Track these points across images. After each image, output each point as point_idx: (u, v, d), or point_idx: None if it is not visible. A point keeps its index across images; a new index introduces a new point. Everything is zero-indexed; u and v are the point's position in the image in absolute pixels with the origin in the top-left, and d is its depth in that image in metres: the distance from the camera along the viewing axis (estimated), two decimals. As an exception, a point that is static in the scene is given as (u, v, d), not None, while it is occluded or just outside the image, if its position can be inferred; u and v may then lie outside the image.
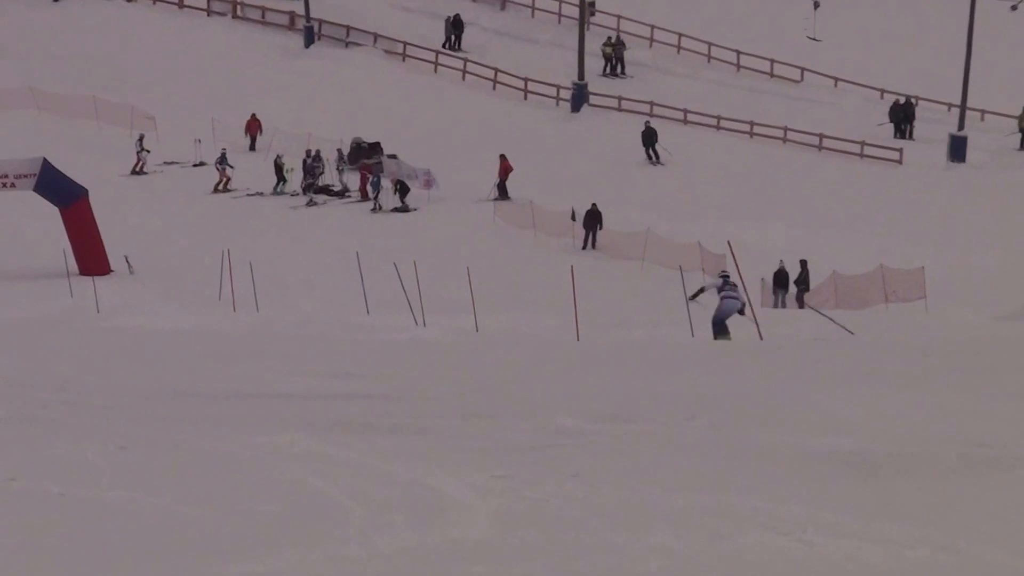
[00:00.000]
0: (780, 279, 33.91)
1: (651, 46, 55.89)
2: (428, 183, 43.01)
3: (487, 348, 21.76)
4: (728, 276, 23.60)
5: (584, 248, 38.92)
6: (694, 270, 33.66)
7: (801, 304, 33.29)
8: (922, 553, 6.64)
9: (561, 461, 8.98)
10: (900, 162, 45.62)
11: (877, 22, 55.89)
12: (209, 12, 60.55)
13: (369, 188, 43.61)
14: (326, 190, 44.91)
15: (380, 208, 42.91)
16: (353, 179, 45.04)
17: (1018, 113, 48.00)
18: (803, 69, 52.95)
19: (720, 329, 22.89)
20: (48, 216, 37.11)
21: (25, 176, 36.48)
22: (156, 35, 57.50)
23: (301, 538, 6.94)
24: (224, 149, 46.03)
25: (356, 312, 29.31)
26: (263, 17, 60.19)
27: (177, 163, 47.95)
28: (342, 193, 44.88)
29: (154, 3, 60.44)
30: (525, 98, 52.75)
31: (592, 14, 56.04)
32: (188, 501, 7.79)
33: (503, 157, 43.61)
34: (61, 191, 36.90)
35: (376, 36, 57.36)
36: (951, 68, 47.10)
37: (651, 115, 49.49)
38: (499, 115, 50.91)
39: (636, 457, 9.21)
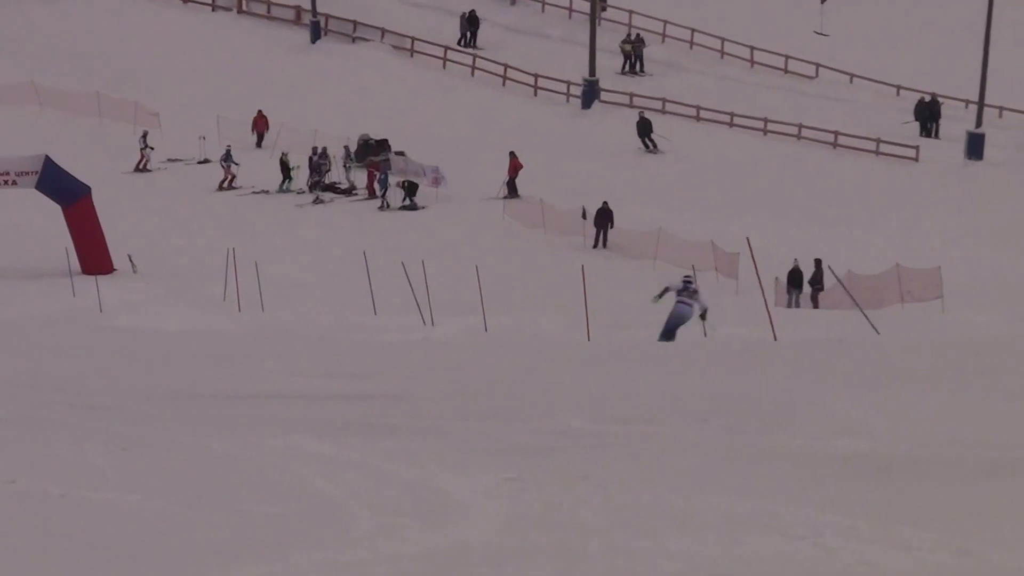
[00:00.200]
0: (794, 278, 33.63)
1: (663, 42, 55.68)
2: (436, 181, 42.86)
3: (496, 348, 21.62)
4: (691, 281, 23.43)
5: (595, 247, 38.77)
6: (707, 269, 33.61)
7: (815, 304, 33.04)
8: (940, 558, 6.56)
9: (571, 463, 8.96)
10: (916, 160, 45.39)
11: (890, 17, 55.75)
12: (214, 7, 60.45)
13: (376, 186, 43.46)
14: (333, 188, 44.72)
15: (388, 206, 42.74)
16: (360, 177, 44.82)
17: (1037, 109, 47.75)
18: (818, 65, 52.73)
19: (667, 335, 22.64)
20: (50, 214, 36.95)
21: (27, 173, 36.24)
22: (160, 30, 57.43)
23: (305, 541, 6.92)
24: (229, 146, 45.89)
25: (363, 312, 29.17)
26: (268, 12, 60.13)
27: (181, 160, 47.81)
28: (349, 191, 44.70)
29: (158, -3, 60.49)
30: (535, 94, 52.63)
31: (603, 9, 55.64)
32: (190, 503, 7.79)
33: (513, 154, 43.39)
34: (63, 189, 36.72)
35: (384, 31, 57.17)
36: (967, 64, 46.84)
37: (663, 111, 49.33)
38: (509, 112, 50.80)
39: (648, 459, 9.19)
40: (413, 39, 56.26)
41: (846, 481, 8.35)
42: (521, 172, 42.90)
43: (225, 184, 45.11)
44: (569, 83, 52.05)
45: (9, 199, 37.98)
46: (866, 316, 23.46)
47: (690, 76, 53.35)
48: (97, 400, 12.69)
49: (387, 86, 52.86)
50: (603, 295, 27.39)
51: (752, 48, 53.78)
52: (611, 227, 38.82)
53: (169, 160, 47.55)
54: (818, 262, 33.76)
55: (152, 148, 46.91)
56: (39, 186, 36.39)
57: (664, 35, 55.71)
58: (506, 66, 53.70)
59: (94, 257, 36.03)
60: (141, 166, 46.92)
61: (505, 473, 8.48)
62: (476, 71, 54.54)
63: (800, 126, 47.30)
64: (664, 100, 49.98)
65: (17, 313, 29.38)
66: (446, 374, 16.14)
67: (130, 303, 31.33)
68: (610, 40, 54.55)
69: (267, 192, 44.65)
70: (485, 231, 39.76)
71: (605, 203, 38.98)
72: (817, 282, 33.71)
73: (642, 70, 54.01)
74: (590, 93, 51.38)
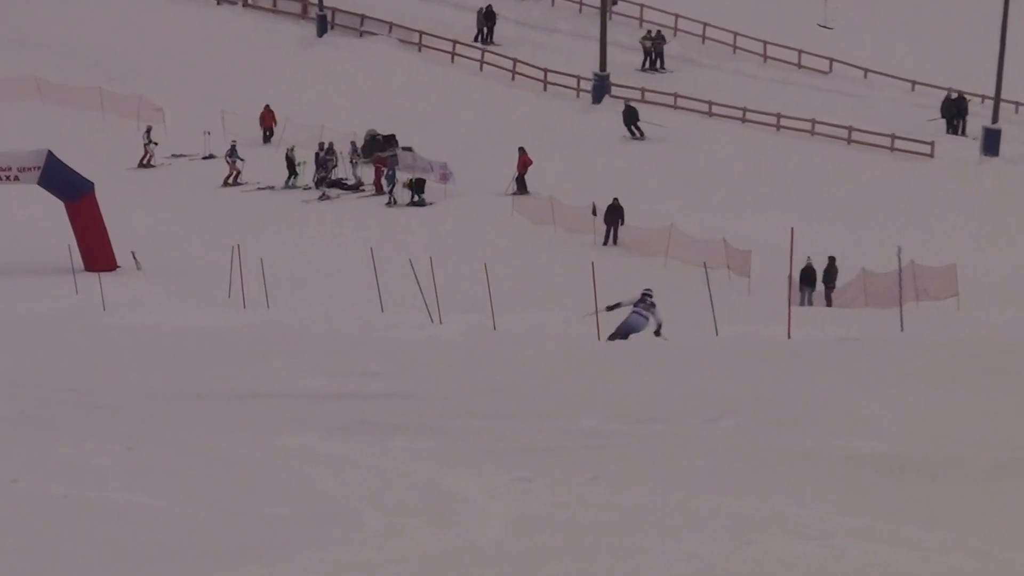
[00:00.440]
0: (807, 276, 33.54)
1: (675, 36, 55.55)
2: (444, 177, 42.68)
3: (505, 347, 21.66)
4: (650, 294, 23.61)
5: (605, 244, 38.66)
6: (719, 267, 33.40)
7: (829, 302, 33.00)
8: (953, 558, 6.54)
9: (581, 463, 8.99)
10: (932, 156, 45.16)
11: (905, 10, 55.66)
12: (219, 0, 60.20)
13: (384, 182, 43.28)
14: (339, 184, 44.57)
15: (395, 202, 42.57)
16: (367, 172, 44.64)
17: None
18: (832, 60, 52.48)
19: (617, 337, 22.95)
20: (53, 210, 36.87)
21: (29, 169, 36.19)
22: (164, 24, 57.38)
23: (311, 541, 6.92)
24: (234, 141, 45.78)
25: (370, 310, 29.09)
26: (274, 5, 59.98)
27: (186, 156, 47.71)
28: (356, 187, 44.56)
29: (162, -10, 60.36)
30: (545, 89, 52.57)
31: (614, 3, 55.32)
32: (195, 503, 7.82)
33: (522, 150, 43.29)
34: (66, 185, 36.69)
35: (391, 25, 56.98)
36: (983, 58, 46.48)
37: (675, 107, 49.25)
38: (518, 107, 50.71)
39: (658, 460, 9.20)
40: (421, 33, 56.10)
41: (858, 481, 8.32)
42: (531, 168, 42.76)
43: (230, 180, 45.01)
44: (579, 78, 51.87)
45: (11, 195, 37.90)
46: (901, 312, 23.29)
47: (706, 71, 53.17)
48: (100, 399, 12.82)
49: (395, 81, 52.79)
50: (614, 293, 27.12)
51: (765, 43, 53.56)
52: (622, 224, 38.68)
53: (173, 156, 47.45)
54: (832, 259, 33.73)
55: (156, 143, 46.84)
56: (41, 182, 36.32)
57: (676, 29, 55.54)
58: (515, 60, 53.51)
59: (97, 254, 35.95)
60: (145, 162, 46.85)
61: (514, 473, 8.50)
62: (485, 66, 54.37)
63: (814, 121, 47.06)
64: (676, 95, 49.79)
65: (19, 311, 29.42)
66: (454, 373, 16.22)
67: (133, 301, 31.33)
68: (620, 34, 54.28)
69: (273, 188, 44.56)
70: (494, 228, 39.63)
71: (616, 199, 38.84)
72: (830, 280, 33.57)
73: (662, 67, 53.72)
74: (600, 88, 51.14)
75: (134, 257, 36.11)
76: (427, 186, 42.40)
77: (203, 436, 10.20)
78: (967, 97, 48.26)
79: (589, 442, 9.93)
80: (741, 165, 44.47)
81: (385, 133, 46.47)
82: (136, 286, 33.58)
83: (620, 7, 56.32)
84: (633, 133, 47.78)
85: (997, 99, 45.29)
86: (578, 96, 51.81)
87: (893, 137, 45.64)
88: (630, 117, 47.75)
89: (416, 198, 42.20)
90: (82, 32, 56.31)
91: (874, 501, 7.78)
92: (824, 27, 55.18)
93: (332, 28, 57.70)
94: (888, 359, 16.04)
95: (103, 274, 33.69)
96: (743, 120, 48.25)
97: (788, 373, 14.87)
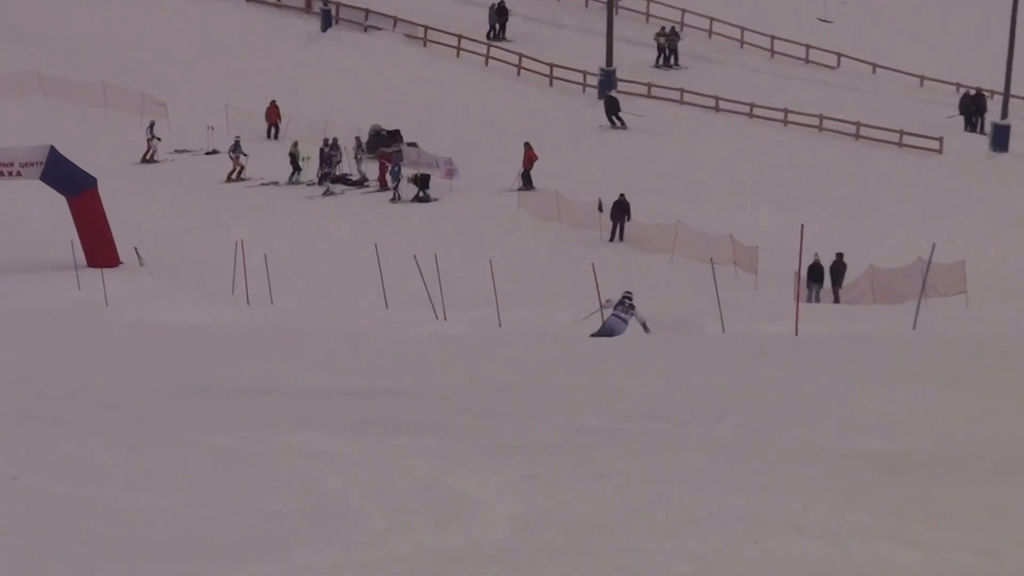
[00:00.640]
0: (815, 272, 33.43)
1: (682, 30, 55.41)
2: (449, 172, 42.67)
3: (510, 344, 21.71)
4: (630, 296, 23.82)
5: (611, 240, 38.60)
6: (725, 263, 33.26)
7: (837, 299, 32.84)
8: (958, 557, 6.53)
9: (586, 461, 8.97)
10: (940, 151, 45.03)
11: (912, 5, 55.67)
12: (223, -6, 60.30)
13: (388, 178, 43.23)
14: (344, 180, 44.53)
15: (399, 198, 42.51)
16: (372, 168, 44.54)
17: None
18: (840, 55, 52.41)
19: (600, 335, 23.20)
20: (55, 206, 36.83)
21: (31, 164, 36.14)
22: (167, 18, 57.39)
23: (316, 540, 6.92)
24: (238, 137, 45.78)
25: (374, 306, 29.06)
26: (278, 0, 59.78)
27: (189, 151, 47.64)
28: (360, 183, 44.48)
29: (166, -16, 60.40)
30: (551, 84, 52.48)
31: (620, -2, 55.29)
32: (199, 501, 7.80)
33: (528, 145, 43.22)
34: (69, 180, 36.65)
35: (396, 20, 57.02)
36: (992, 54, 46.40)
37: (681, 102, 49.16)
38: (524, 102, 50.78)
39: (663, 457, 9.19)
40: (426, 28, 56.09)
41: (864, 479, 8.30)
42: (536, 163, 42.69)
43: (234, 175, 44.96)
44: (586, 73, 51.78)
45: (14, 190, 37.86)
46: (918, 307, 23.14)
47: (712, 66, 53.23)
48: (102, 396, 12.83)
49: (399, 76, 52.80)
50: (619, 289, 27.06)
51: (772, 37, 53.51)
52: (628, 220, 38.61)
53: (176, 151, 47.42)
54: (839, 256, 33.61)
55: (159, 139, 46.83)
56: (44, 177, 36.28)
57: (683, 24, 55.48)
58: (520, 55, 53.47)
59: (100, 250, 35.89)
60: (148, 157, 46.83)
61: (518, 471, 8.50)
62: (490, 60, 54.32)
63: (821, 117, 47.07)
64: (682, 90, 49.72)
65: (21, 307, 29.39)
66: (458, 370, 16.18)
67: (136, 297, 31.31)
68: (627, 29, 54.18)
69: (277, 184, 44.49)
70: (499, 224, 39.57)
71: (622, 195, 38.76)
72: (838, 276, 33.45)
73: (676, 63, 53.61)
74: (607, 83, 51.05)
75: (137, 253, 36.03)
76: (432, 182, 42.35)
77: (205, 433, 10.17)
78: (986, 94, 48.04)
79: (593, 440, 9.94)
80: (748, 160, 44.46)
81: (389, 128, 46.42)
82: (139, 282, 33.56)
83: (627, 2, 56.20)
84: (614, 123, 48.11)
85: (1007, 94, 45.30)
86: (584, 91, 51.79)
87: (901, 133, 45.65)
88: (612, 108, 48.09)
89: (421, 193, 42.15)
90: (85, 27, 56.34)
91: (879, 499, 7.78)
92: (824, 21, 55.06)
93: (336, 23, 57.71)
94: (895, 357, 16.10)
95: (105, 270, 33.66)
96: (750, 115, 48.20)
97: (794, 370, 14.85)
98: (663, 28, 54.43)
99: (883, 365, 15.06)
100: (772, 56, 53.48)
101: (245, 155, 44.74)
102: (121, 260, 35.97)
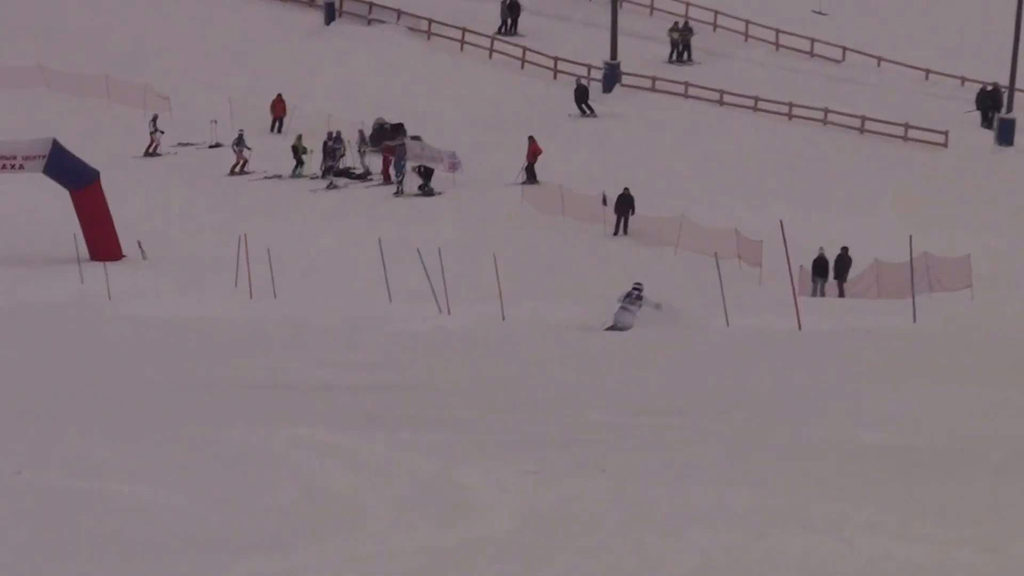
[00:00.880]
0: (819, 267, 33.37)
1: (685, 24, 54.94)
2: (453, 166, 42.57)
3: (514, 338, 21.83)
4: (640, 288, 23.96)
5: (615, 234, 38.52)
6: (730, 257, 33.23)
7: (841, 293, 32.82)
8: (964, 553, 6.51)
9: (591, 456, 8.92)
10: (945, 145, 44.87)
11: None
12: (226, -12, 60.23)
13: (392, 171, 43.15)
14: (347, 173, 44.49)
15: (403, 192, 42.41)
16: (375, 162, 44.50)
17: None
18: (844, 48, 52.15)
19: (613, 329, 23.39)
20: (58, 199, 36.78)
21: (34, 157, 36.20)
22: (170, 11, 57.34)
23: (318, 535, 6.88)
24: (241, 130, 45.75)
25: (378, 300, 29.00)
26: (282, -7, 59.95)
27: (192, 144, 47.65)
28: (364, 176, 44.46)
29: (169, -23, 60.29)
30: (555, 78, 52.37)
31: (626, -9, 55.15)
32: (200, 495, 7.77)
33: (532, 139, 43.14)
34: (72, 173, 36.68)
35: (400, 13, 56.88)
36: (998, 47, 46.21)
37: (686, 96, 49.09)
38: (528, 95, 50.64)
39: (668, 452, 9.15)
40: (430, 21, 55.96)
41: (870, 475, 8.29)
42: (540, 157, 42.58)
43: (237, 169, 44.97)
44: (590, 66, 51.59)
45: (17, 183, 37.88)
46: (914, 302, 23.01)
47: (717, 60, 52.92)
48: (104, 390, 12.84)
49: (403, 69, 52.69)
50: (624, 283, 27.02)
51: (777, 31, 53.29)
52: (632, 214, 38.54)
53: (180, 144, 47.40)
54: (844, 250, 33.56)
55: (162, 132, 46.84)
56: (47, 170, 36.31)
57: (687, 18, 55.22)
58: (525, 49, 53.34)
59: (103, 243, 35.93)
60: (151, 150, 46.82)
61: (523, 466, 8.46)
62: (494, 54, 54.19)
63: (826, 111, 46.88)
64: (687, 84, 49.57)
65: (24, 300, 29.39)
66: (463, 364, 16.20)
67: (139, 290, 31.36)
68: (633, 23, 53.94)
69: (280, 177, 44.45)
70: (503, 217, 39.50)
71: (626, 189, 38.69)
72: (843, 270, 33.38)
73: (690, 59, 53.34)
74: (611, 77, 50.90)
75: (140, 246, 36.07)
76: (435, 175, 42.26)
77: (208, 428, 10.14)
78: (1003, 89, 47.81)
79: (598, 435, 9.89)
80: (753, 154, 44.27)
81: (393, 122, 46.36)
82: (142, 275, 33.60)
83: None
84: (583, 111, 48.60)
85: (1012, 88, 45.13)
86: (588, 85, 51.70)
87: (907, 126, 45.45)
88: (581, 96, 48.63)
89: (425, 185, 41.99)
90: (88, 20, 56.28)
91: (885, 494, 7.75)
92: (818, 13, 54.84)
93: (340, 16, 57.57)
94: (900, 352, 16.21)
95: (108, 263, 33.68)
96: (755, 109, 48.02)
97: (799, 365, 14.84)
98: (676, 24, 54.15)
99: (888, 360, 15.10)
100: (777, 50, 53.21)
101: (248, 148, 44.73)
102: (124, 253, 36.07)
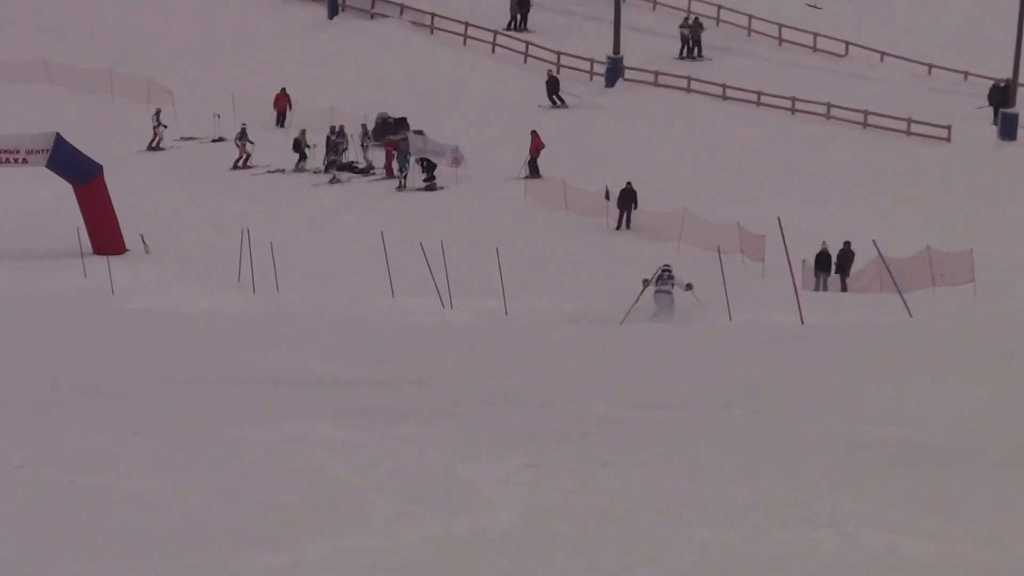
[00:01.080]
0: (822, 261, 33.35)
1: (689, 18, 54.91)
2: (456, 160, 42.52)
3: (517, 332, 21.63)
4: (668, 269, 24.28)
5: (618, 229, 38.49)
6: (733, 251, 33.22)
7: (844, 287, 32.90)
8: (967, 547, 6.52)
9: (593, 450, 8.93)
10: (948, 140, 44.76)
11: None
12: (230, -18, 60.16)
13: (395, 165, 43.13)
14: (350, 167, 44.45)
15: (406, 186, 42.40)
16: (378, 156, 44.46)
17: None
18: (847, 43, 52.08)
19: (659, 318, 23.86)
20: (61, 193, 36.77)
21: (37, 152, 36.20)
22: (173, 5, 57.28)
23: (320, 528, 6.89)
24: (244, 124, 45.71)
25: (381, 295, 28.96)
26: (285, -13, 59.81)
27: (195, 139, 47.60)
28: (367, 170, 44.42)
29: (172, -29, 60.21)
30: (558, 72, 52.08)
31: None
32: (205, 490, 7.76)
33: (535, 133, 43.14)
34: (75, 167, 36.65)
35: (403, 7, 56.84)
36: (1000, 42, 46.09)
37: (688, 90, 49.04)
38: (531, 90, 50.40)
39: (671, 447, 9.15)
40: (433, 15, 55.92)
41: (873, 469, 8.27)
42: (543, 151, 42.54)
43: (240, 163, 44.94)
44: (593, 61, 51.50)
45: (20, 178, 37.81)
46: (903, 298, 23.11)
47: (720, 54, 52.84)
48: (108, 384, 12.74)
49: (406, 63, 52.63)
50: (627, 278, 27.11)
51: (780, 25, 53.23)
52: (635, 208, 38.51)
53: (183, 138, 47.35)
54: (847, 244, 33.49)
55: (165, 126, 46.79)
56: (50, 164, 36.30)
57: (689, 12, 55.14)
58: (528, 43, 53.28)
59: (106, 237, 35.90)
60: (154, 144, 46.75)
61: (525, 460, 8.44)
62: (497, 48, 54.13)
63: (829, 105, 46.77)
64: (689, 78, 49.50)
65: (26, 294, 29.37)
66: (465, 359, 16.14)
67: (142, 284, 31.26)
68: (638, 18, 53.77)
69: (283, 171, 44.39)
70: (506, 212, 39.46)
71: (629, 184, 38.64)
72: (845, 265, 33.31)
73: (700, 54, 53.24)
74: (614, 71, 50.86)
75: (143, 240, 36.04)
76: (438, 170, 42.22)
77: (211, 422, 10.13)
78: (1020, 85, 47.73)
79: (600, 429, 9.87)
80: (755, 149, 44.19)
81: (396, 116, 46.30)
82: (145, 270, 33.52)
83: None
84: (554, 102, 48.78)
85: (1015, 83, 45.03)
86: (591, 79, 51.55)
87: (909, 121, 45.34)
88: (552, 87, 48.89)
89: (428, 181, 41.97)
90: (91, 14, 56.20)
91: (887, 489, 7.74)
92: (812, 7, 54.76)
93: (343, 10, 57.55)
94: (902, 346, 15.99)
95: (112, 257, 33.61)
96: (758, 104, 47.92)
97: (802, 360, 14.79)
98: (686, 19, 54.03)
99: (891, 354, 14.98)
100: (780, 44, 53.18)
101: (251, 143, 44.68)
102: (127, 248, 36.03)
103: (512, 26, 55.86)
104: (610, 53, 51.07)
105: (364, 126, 45.35)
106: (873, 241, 25.00)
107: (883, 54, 51.16)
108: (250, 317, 25.27)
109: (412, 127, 45.43)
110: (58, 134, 36.35)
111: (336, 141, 44.21)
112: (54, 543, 6.63)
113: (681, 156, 44.32)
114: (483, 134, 45.29)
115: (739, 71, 50.42)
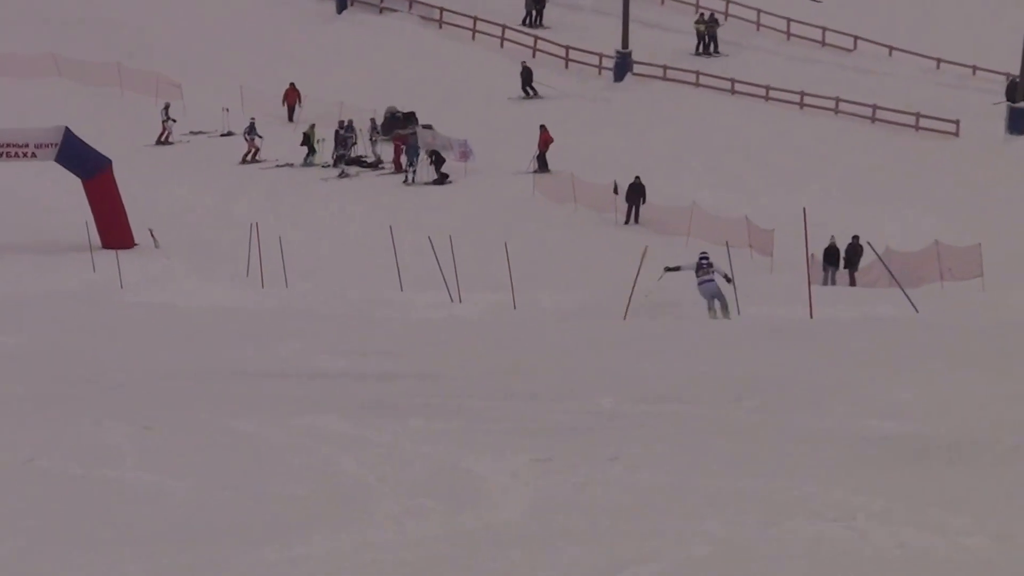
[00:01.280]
0: (830, 255, 33.35)
1: (696, 12, 54.89)
2: (464, 155, 42.63)
3: (525, 326, 21.47)
4: (706, 257, 24.29)
5: (627, 223, 38.51)
6: (741, 245, 33.27)
7: (852, 282, 32.82)
8: (975, 541, 6.50)
9: (602, 444, 8.92)
10: (957, 134, 44.70)
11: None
12: (238, -23, 60.14)
13: (403, 159, 43.16)
14: (358, 162, 44.56)
15: (414, 180, 42.40)
16: (387, 150, 44.52)
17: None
18: (856, 37, 51.99)
19: (713, 310, 23.79)
20: (70, 187, 36.88)
21: (46, 146, 36.28)
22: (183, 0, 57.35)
23: (329, 522, 6.89)
24: (253, 119, 45.88)
25: (389, 288, 29.03)
26: (294, -18, 59.74)
27: (204, 133, 47.71)
28: (375, 165, 44.51)
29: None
30: (566, 67, 52.23)
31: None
32: (214, 484, 7.77)
33: (543, 128, 43.16)
34: (84, 161, 36.75)
35: (412, 1, 56.88)
36: (1009, 35, 46.01)
37: (697, 84, 49.09)
38: (539, 84, 50.27)
39: (680, 440, 9.13)
40: (442, 10, 55.94)
41: (881, 463, 8.25)
42: (552, 146, 42.56)
43: (249, 157, 45.03)
44: (601, 55, 51.49)
45: (29, 172, 38.00)
46: (905, 294, 23.09)
47: (728, 49, 52.75)
48: (117, 378, 12.76)
49: (415, 58, 52.68)
50: (634, 272, 27.02)
51: (789, 20, 53.16)
52: (643, 202, 38.53)
53: (191, 133, 47.47)
54: (855, 238, 33.46)
55: (174, 120, 46.88)
56: (59, 159, 36.35)
57: (698, 6, 55.13)
58: (536, 38, 53.29)
59: (115, 231, 35.98)
60: (163, 139, 46.89)
61: (534, 454, 8.43)
62: (505, 43, 54.12)
63: (838, 100, 46.75)
64: (698, 73, 49.52)
65: (36, 288, 29.39)
66: (474, 353, 16.06)
67: (151, 279, 31.36)
68: (646, 13, 53.72)
69: (291, 166, 44.46)
70: (514, 206, 39.49)
71: (637, 178, 38.66)
72: (854, 259, 33.32)
73: (715, 50, 53.15)
74: (622, 66, 50.87)
75: (152, 235, 36.11)
76: (447, 164, 42.23)
77: (220, 416, 10.08)
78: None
79: (609, 423, 9.87)
80: (764, 144, 44.20)
81: (405, 111, 46.39)
82: (154, 264, 33.62)
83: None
84: (528, 93, 49.24)
85: (1023, 77, 44.96)
86: (600, 74, 51.56)
87: (918, 115, 45.29)
88: (526, 77, 49.27)
89: (436, 175, 42.00)
90: (100, 8, 56.26)
91: (896, 483, 7.70)
92: (814, 0, 54.66)
93: (352, 4, 57.53)
94: (911, 340, 15.89)
95: (120, 252, 33.69)
96: (766, 98, 47.94)
97: (810, 354, 14.70)
98: (701, 15, 53.95)
99: (899, 348, 14.87)
100: (788, 39, 53.08)
101: (260, 137, 44.75)
102: (136, 242, 36.11)
103: (528, 22, 55.85)
104: (619, 48, 51.09)
105: (373, 120, 45.39)
106: (868, 243, 24.95)
107: (892, 48, 51.09)
108: (259, 311, 25.17)
109: (421, 121, 45.58)
110: (67, 128, 36.43)
111: (345, 135, 44.34)
112: (63, 536, 6.64)
113: (690, 150, 44.31)
114: (491, 128, 45.34)
115: (748, 65, 50.45)
